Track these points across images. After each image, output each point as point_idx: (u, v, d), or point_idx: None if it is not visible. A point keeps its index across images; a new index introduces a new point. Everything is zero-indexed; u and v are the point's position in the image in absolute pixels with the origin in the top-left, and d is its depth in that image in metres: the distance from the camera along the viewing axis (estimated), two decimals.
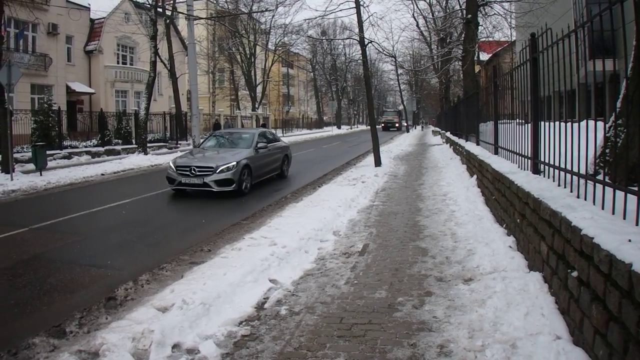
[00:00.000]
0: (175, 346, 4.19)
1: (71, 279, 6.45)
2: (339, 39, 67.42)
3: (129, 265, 6.96)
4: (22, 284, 6.22)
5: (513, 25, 26.70)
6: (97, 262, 7.11)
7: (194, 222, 9.95)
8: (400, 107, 79.27)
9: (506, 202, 6.68)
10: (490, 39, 31.08)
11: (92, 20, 38.02)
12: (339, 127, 75.04)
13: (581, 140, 4.31)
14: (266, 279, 5.70)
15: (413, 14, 34.73)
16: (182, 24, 40.09)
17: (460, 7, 26.58)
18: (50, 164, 20.04)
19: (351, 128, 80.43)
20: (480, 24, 22.91)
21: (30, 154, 19.73)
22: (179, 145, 31.53)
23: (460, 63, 27.04)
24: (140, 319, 4.58)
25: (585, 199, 4.13)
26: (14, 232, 8.96)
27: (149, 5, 29.27)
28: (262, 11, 51.87)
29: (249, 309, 4.92)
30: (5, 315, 5.30)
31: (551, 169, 5.39)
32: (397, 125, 70.25)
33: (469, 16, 20.68)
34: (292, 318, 4.67)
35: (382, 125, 67.82)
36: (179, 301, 4.80)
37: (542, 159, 5.75)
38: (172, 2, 35.21)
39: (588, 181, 4.17)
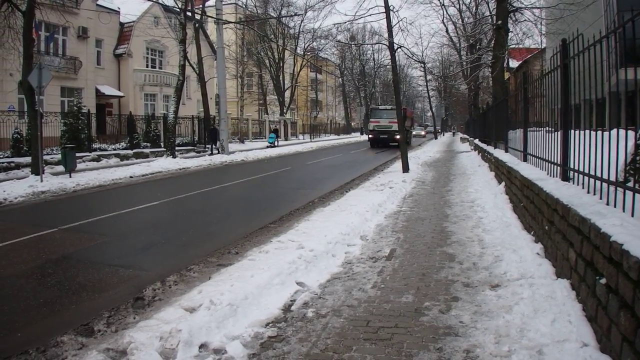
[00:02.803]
0: (203, 346, 4.24)
1: (99, 278, 6.57)
2: (368, 44, 67.12)
3: (157, 267, 7.07)
4: (51, 283, 6.36)
5: (543, 32, 26.45)
6: (125, 263, 7.23)
7: (222, 224, 10.05)
8: (430, 110, 76.45)
9: (534, 209, 6.63)
10: (520, 46, 30.85)
11: (121, 24, 38.67)
12: (366, 133, 74.75)
13: (611, 147, 4.28)
14: (293, 282, 5.74)
15: (442, 20, 34.54)
16: (211, 28, 40.53)
17: (490, 13, 26.50)
18: (79, 166, 20.39)
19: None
20: (511, 30, 22.78)
21: (59, 156, 20.18)
22: (207, 149, 31.80)
23: (489, 69, 26.89)
24: (168, 319, 4.63)
25: (615, 206, 4.10)
26: (43, 232, 9.16)
27: (178, 9, 29.65)
28: (291, 15, 52.30)
29: (275, 311, 4.96)
30: (34, 314, 5.41)
31: (580, 176, 5.35)
32: (396, 136, 34.35)
33: (499, 22, 20.58)
34: (318, 320, 4.70)
35: (370, 135, 40.34)
36: (207, 302, 4.84)
37: (572, 166, 5.71)
38: (201, 6, 35.67)
39: (618, 188, 4.14)
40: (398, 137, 30.71)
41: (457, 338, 4.16)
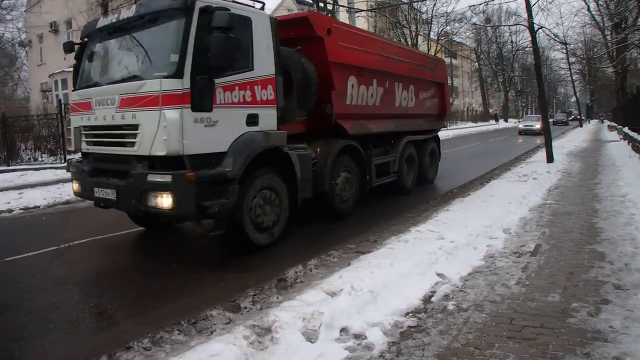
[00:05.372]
0: (343, 330, 4.35)
1: (244, 258, 6.98)
2: (505, 26, 64.22)
3: (296, 251, 7.31)
4: (200, 261, 6.92)
5: None
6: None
7: (360, 212, 10.10)
8: (574, 95, 71.65)
9: None
10: None
11: None
12: (506, 120, 71.91)
13: None
14: (433, 273, 5.70)
15: None
16: (343, 17, 40.75)
17: None
18: None
19: (519, 121, 76.94)
20: None
21: None
22: None
23: (638, 51, 24.80)
24: (310, 301, 4.77)
25: None
26: None
27: (310, 1, 30.15)
28: (423, 0, 51.20)
29: (415, 301, 4.98)
30: (184, 289, 5.87)
31: None
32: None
33: None
34: (459, 314, 4.67)
35: None
36: (348, 287, 4.93)
37: None
38: None
39: None
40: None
41: (606, 344, 3.96)
